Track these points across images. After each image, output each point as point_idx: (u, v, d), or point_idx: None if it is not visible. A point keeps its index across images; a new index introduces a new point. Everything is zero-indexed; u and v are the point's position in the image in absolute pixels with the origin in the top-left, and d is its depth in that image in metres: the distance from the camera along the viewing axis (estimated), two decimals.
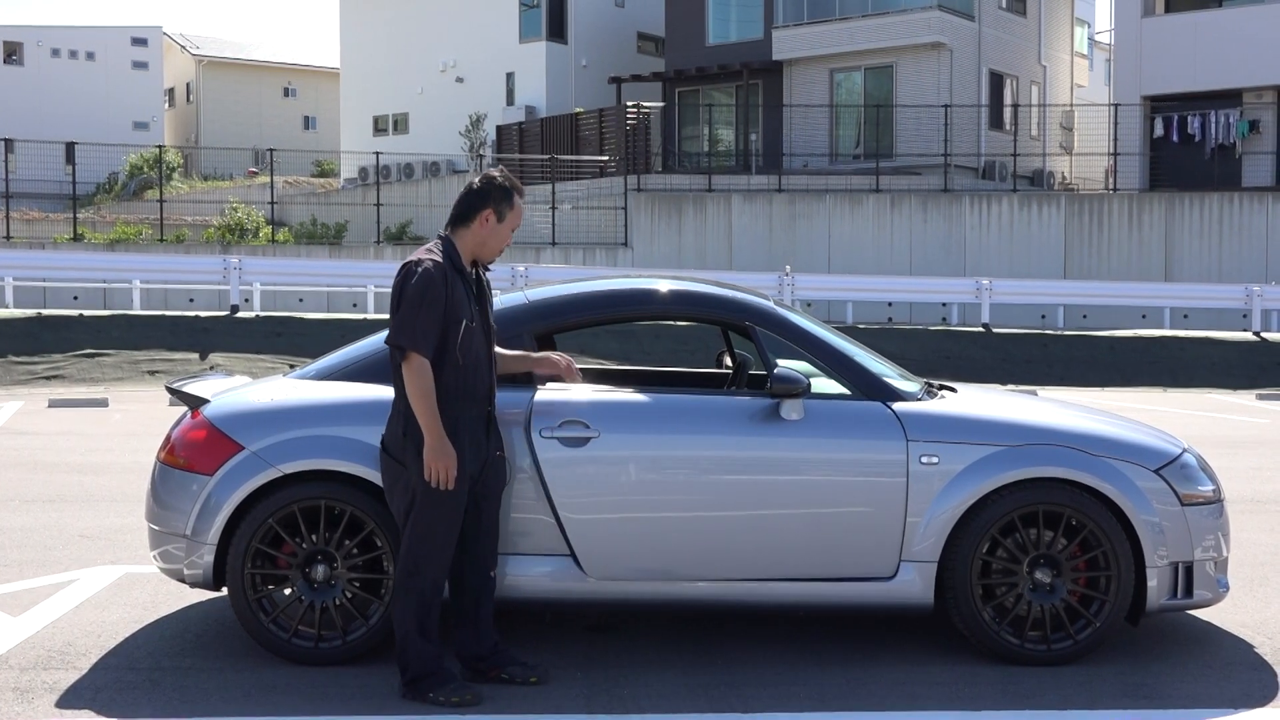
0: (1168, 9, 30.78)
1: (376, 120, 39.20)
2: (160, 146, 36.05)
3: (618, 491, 5.05)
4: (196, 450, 5.11)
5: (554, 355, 5.06)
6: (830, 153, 30.95)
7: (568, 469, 5.01)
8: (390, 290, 4.72)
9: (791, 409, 5.07)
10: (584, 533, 5.02)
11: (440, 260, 4.63)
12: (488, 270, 4.89)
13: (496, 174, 4.79)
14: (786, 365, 5.21)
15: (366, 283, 23.12)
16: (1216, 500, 5.36)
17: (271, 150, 32.34)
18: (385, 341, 4.72)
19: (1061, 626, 5.14)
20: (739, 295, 5.56)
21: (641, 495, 5.06)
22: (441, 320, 4.58)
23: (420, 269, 4.57)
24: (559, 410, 5.01)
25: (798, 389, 5.04)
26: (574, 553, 5.04)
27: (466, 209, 4.72)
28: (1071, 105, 34.45)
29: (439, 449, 4.53)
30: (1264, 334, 22.51)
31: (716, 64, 32.24)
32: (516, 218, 4.78)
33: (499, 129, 34.43)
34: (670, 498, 5.06)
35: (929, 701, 4.76)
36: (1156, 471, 5.22)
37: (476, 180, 4.79)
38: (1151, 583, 5.13)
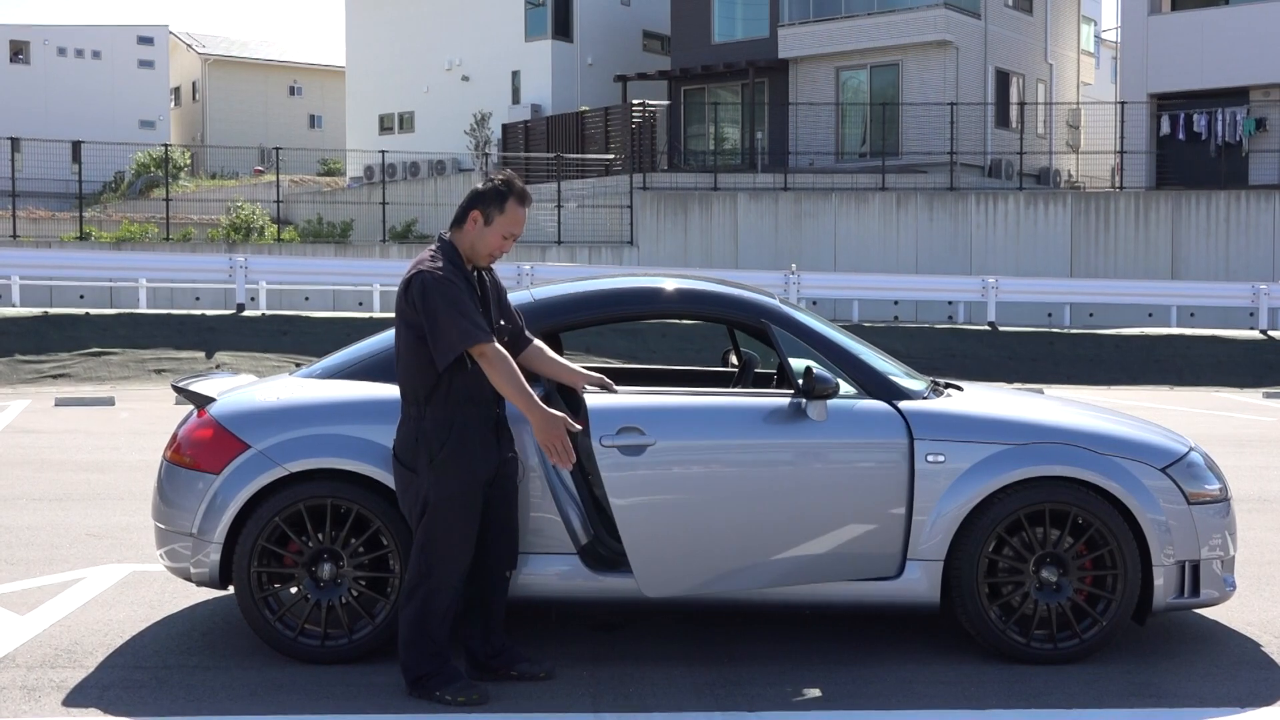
0: (1174, 7, 30.73)
1: (382, 119, 39.24)
2: (166, 145, 36.03)
3: (672, 499, 4.92)
4: (203, 449, 5.11)
5: (601, 380, 5.05)
6: (836, 151, 30.93)
7: (626, 477, 4.87)
8: (397, 296, 4.67)
9: (818, 409, 5.02)
10: (641, 542, 4.88)
11: (445, 264, 4.59)
12: (490, 271, 4.85)
13: (498, 178, 4.72)
14: (796, 364, 5.19)
15: (373, 281, 23.13)
16: (1223, 499, 5.35)
17: (277, 149, 32.36)
18: (443, 363, 4.50)
19: (1068, 625, 5.13)
20: (745, 294, 5.54)
21: (693, 503, 4.94)
22: (475, 308, 4.55)
23: (432, 276, 4.52)
24: (614, 416, 4.86)
25: (829, 389, 5.00)
26: (630, 565, 4.92)
27: (460, 211, 4.71)
28: (1078, 103, 34.41)
29: (546, 422, 4.48)
30: (1271, 332, 22.47)
31: (722, 62, 32.22)
32: (510, 224, 4.67)
33: (504, 127, 34.43)
34: (717, 504, 4.95)
35: (935, 700, 4.75)
36: (1163, 470, 5.21)
37: (480, 183, 4.78)
38: (1158, 581, 5.13)
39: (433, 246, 4.69)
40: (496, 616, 4.86)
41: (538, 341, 5.02)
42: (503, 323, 4.81)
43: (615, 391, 5.02)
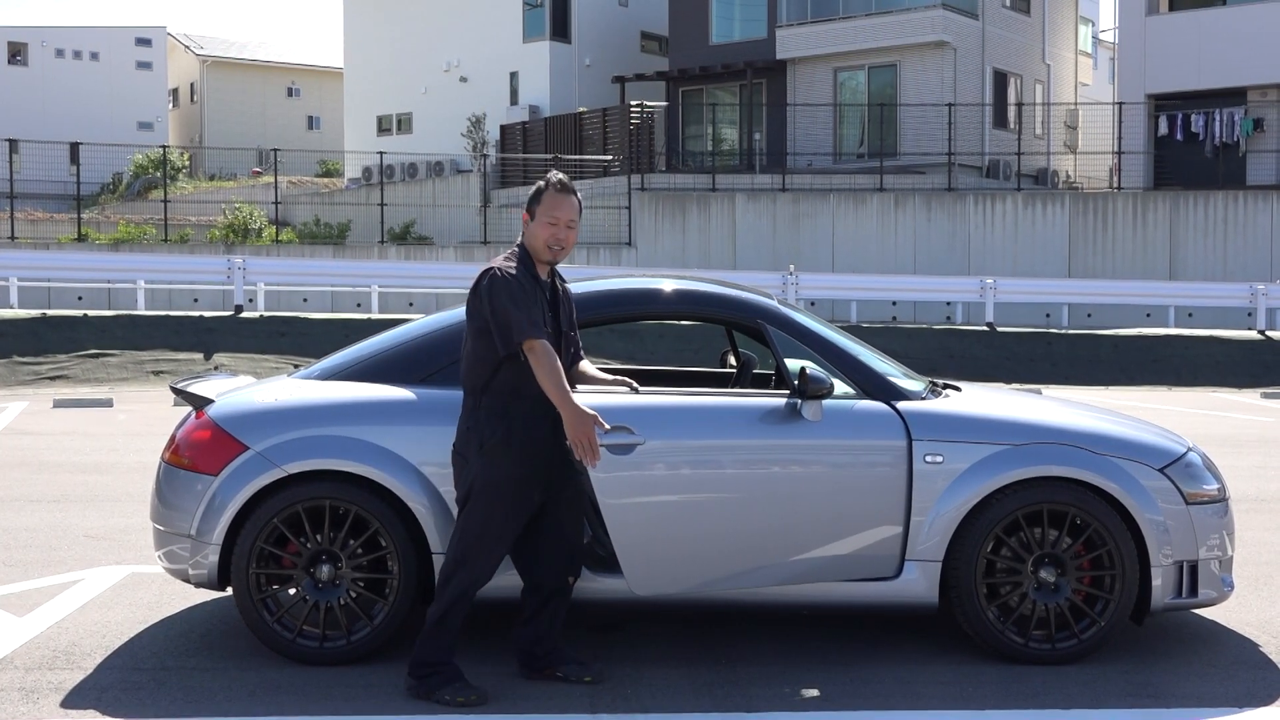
0: (1172, 7, 30.74)
1: (380, 120, 39.23)
2: (164, 146, 36.07)
3: (661, 499, 4.92)
4: (201, 450, 5.11)
5: (627, 381, 5.11)
6: (834, 152, 30.94)
7: (615, 476, 4.84)
8: (468, 295, 4.75)
9: (813, 409, 5.00)
10: (630, 541, 4.86)
11: (516, 266, 4.71)
12: (564, 281, 4.98)
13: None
14: (792, 364, 5.19)
15: (370, 282, 23.14)
16: (1221, 499, 5.36)
17: (275, 150, 32.36)
18: (505, 351, 4.57)
19: (1066, 626, 5.13)
20: (742, 294, 5.54)
21: (682, 503, 4.93)
22: (538, 308, 4.64)
23: (501, 273, 4.66)
24: (603, 415, 4.76)
25: (824, 389, 5.00)
26: (620, 564, 4.91)
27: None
28: (1075, 104, 34.42)
29: (577, 418, 4.50)
30: (1269, 332, 22.48)
31: (720, 63, 32.23)
32: (550, 209, 4.74)
33: (503, 128, 34.42)
34: (710, 504, 4.95)
35: (933, 701, 4.76)
36: (1161, 470, 5.21)
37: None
38: (1156, 582, 5.13)
39: (511, 252, 4.83)
40: (555, 622, 4.88)
41: (586, 362, 5.08)
42: (569, 333, 4.90)
43: (639, 392, 5.05)
